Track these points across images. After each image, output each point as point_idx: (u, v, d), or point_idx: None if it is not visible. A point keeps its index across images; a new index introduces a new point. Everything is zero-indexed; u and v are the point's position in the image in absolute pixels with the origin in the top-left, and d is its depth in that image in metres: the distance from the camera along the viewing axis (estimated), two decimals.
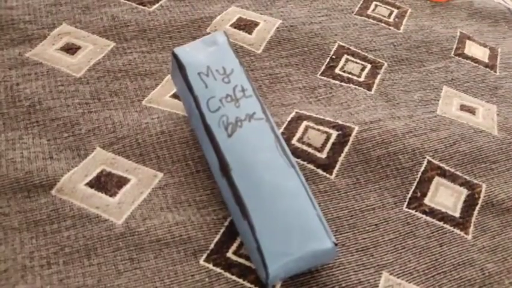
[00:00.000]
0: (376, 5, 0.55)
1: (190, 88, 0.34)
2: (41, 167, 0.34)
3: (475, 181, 0.39)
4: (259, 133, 0.32)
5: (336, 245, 0.30)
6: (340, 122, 0.40)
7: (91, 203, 0.33)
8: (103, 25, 0.45)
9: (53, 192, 0.33)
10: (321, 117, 0.41)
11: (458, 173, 0.39)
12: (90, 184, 0.34)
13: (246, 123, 0.32)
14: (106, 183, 0.34)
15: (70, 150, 0.36)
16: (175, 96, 0.41)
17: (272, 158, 0.31)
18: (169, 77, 0.42)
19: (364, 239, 0.34)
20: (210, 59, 0.34)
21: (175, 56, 0.35)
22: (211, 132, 0.32)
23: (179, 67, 0.34)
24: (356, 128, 0.40)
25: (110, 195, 0.33)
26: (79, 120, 0.38)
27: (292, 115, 0.41)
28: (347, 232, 0.35)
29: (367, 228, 0.35)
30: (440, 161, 0.40)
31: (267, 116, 0.33)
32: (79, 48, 0.43)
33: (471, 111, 0.45)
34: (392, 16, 0.54)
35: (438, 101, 0.45)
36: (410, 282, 0.33)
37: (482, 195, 0.39)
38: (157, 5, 0.48)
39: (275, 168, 0.31)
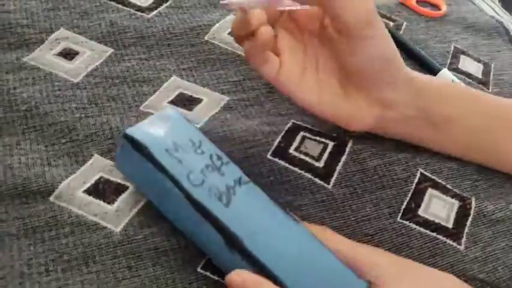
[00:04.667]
0: None
1: (160, 168, 0.30)
2: (39, 174, 0.34)
3: (465, 194, 0.40)
4: (253, 196, 0.31)
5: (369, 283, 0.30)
6: (335, 135, 0.41)
7: (89, 210, 0.33)
8: (101, 31, 0.45)
9: (52, 199, 0.33)
10: (317, 129, 0.41)
11: (449, 186, 0.40)
12: (88, 191, 0.34)
13: (238, 189, 0.30)
14: (104, 190, 0.34)
15: (68, 156, 0.36)
16: (172, 102, 0.41)
17: (277, 217, 0.30)
18: (167, 84, 0.43)
19: None
20: (172, 134, 0.31)
21: (129, 138, 0.31)
22: (204, 207, 0.29)
23: (139, 149, 0.30)
24: (351, 140, 0.41)
25: (108, 203, 0.34)
26: (76, 125, 0.38)
27: (289, 125, 0.41)
28: None
29: (363, 239, 0.36)
30: (432, 173, 0.41)
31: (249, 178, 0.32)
32: (76, 53, 0.43)
33: None
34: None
35: None
36: None
37: (473, 206, 0.40)
38: (155, 12, 0.48)
39: (284, 227, 0.30)
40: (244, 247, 0.29)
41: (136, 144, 0.31)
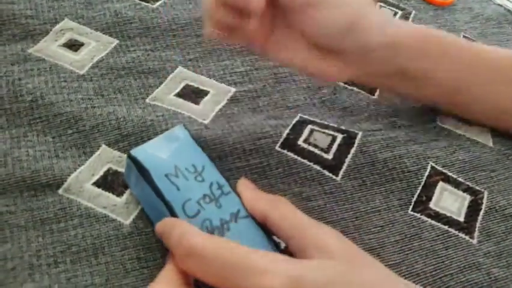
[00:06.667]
0: (380, 6, 0.57)
1: (158, 194, 0.30)
2: (48, 166, 0.35)
3: (477, 188, 0.41)
4: (248, 233, 0.30)
5: None
6: (344, 128, 0.42)
7: (98, 203, 0.34)
8: (106, 21, 0.46)
9: (60, 191, 0.34)
10: (326, 122, 0.42)
11: (460, 179, 0.41)
12: (97, 184, 0.35)
13: (233, 225, 0.30)
14: (113, 182, 0.35)
15: (76, 148, 0.37)
16: (179, 95, 0.42)
17: None
18: (172, 75, 0.44)
19: (370, 239, 0.36)
20: (176, 157, 0.32)
21: (133, 159, 0.32)
22: None
23: (141, 171, 0.31)
24: (360, 133, 0.42)
25: (117, 195, 0.35)
26: (82, 115, 0.39)
27: (296, 119, 0.42)
28: (353, 233, 0.36)
29: (373, 230, 0.37)
30: (443, 167, 0.42)
31: None
32: (82, 44, 0.44)
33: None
34: (396, 18, 0.56)
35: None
36: (417, 283, 0.34)
37: (484, 201, 0.40)
38: (160, 2, 0.49)
39: None
40: None
41: (138, 166, 0.32)
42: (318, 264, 0.26)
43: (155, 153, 0.32)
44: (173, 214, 0.30)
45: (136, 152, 0.32)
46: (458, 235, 0.38)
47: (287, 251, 0.29)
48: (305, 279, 0.25)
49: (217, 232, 0.29)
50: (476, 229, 0.39)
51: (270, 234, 0.30)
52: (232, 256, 0.26)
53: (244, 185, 0.33)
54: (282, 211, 0.30)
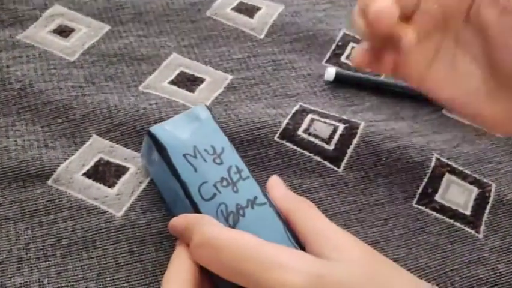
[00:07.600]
0: None
1: (175, 173, 0.31)
2: (37, 156, 0.35)
3: (484, 180, 0.41)
4: (265, 221, 0.29)
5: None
6: (345, 118, 0.42)
7: (89, 194, 0.34)
8: (97, 7, 0.45)
9: (50, 182, 0.34)
10: (327, 112, 0.42)
11: (467, 171, 0.41)
12: (87, 174, 0.35)
13: (249, 211, 0.30)
14: (104, 172, 0.35)
15: (66, 137, 0.37)
16: (173, 82, 0.42)
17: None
18: (166, 62, 0.43)
19: (374, 233, 0.36)
20: (195, 137, 0.32)
21: (152, 136, 0.32)
22: None
23: (159, 149, 0.32)
24: (363, 123, 0.42)
25: (109, 186, 0.35)
26: (72, 104, 0.38)
27: (296, 108, 0.42)
28: (356, 226, 0.36)
29: (376, 223, 0.37)
30: (448, 159, 0.41)
31: (269, 199, 0.31)
32: (72, 30, 0.43)
33: None
34: None
35: None
36: (422, 278, 0.34)
37: (492, 193, 0.40)
38: None
39: None
40: None
41: (157, 144, 0.32)
42: (342, 265, 0.25)
43: (174, 132, 0.32)
44: (188, 195, 0.30)
45: (156, 129, 0.32)
46: (463, 229, 0.38)
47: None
48: (329, 279, 0.24)
49: (232, 217, 0.29)
50: (483, 223, 0.38)
51: (290, 229, 0.30)
52: (250, 248, 0.25)
53: (275, 183, 0.32)
54: (304, 214, 0.29)
